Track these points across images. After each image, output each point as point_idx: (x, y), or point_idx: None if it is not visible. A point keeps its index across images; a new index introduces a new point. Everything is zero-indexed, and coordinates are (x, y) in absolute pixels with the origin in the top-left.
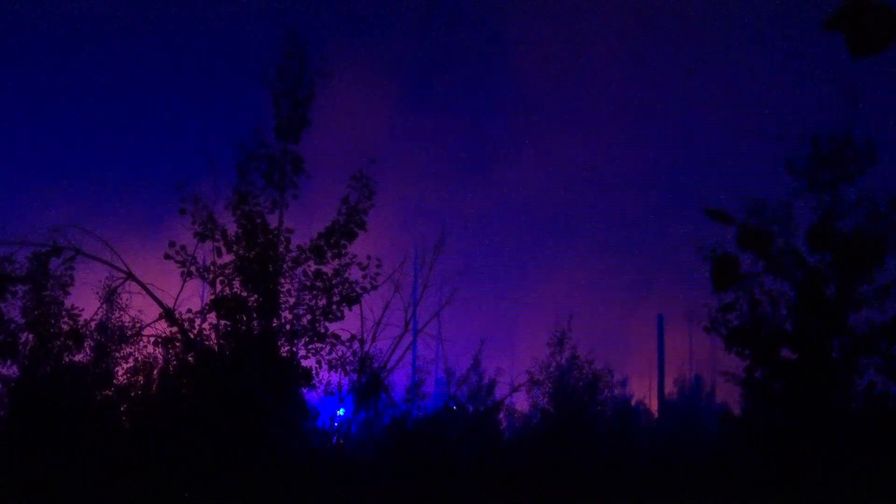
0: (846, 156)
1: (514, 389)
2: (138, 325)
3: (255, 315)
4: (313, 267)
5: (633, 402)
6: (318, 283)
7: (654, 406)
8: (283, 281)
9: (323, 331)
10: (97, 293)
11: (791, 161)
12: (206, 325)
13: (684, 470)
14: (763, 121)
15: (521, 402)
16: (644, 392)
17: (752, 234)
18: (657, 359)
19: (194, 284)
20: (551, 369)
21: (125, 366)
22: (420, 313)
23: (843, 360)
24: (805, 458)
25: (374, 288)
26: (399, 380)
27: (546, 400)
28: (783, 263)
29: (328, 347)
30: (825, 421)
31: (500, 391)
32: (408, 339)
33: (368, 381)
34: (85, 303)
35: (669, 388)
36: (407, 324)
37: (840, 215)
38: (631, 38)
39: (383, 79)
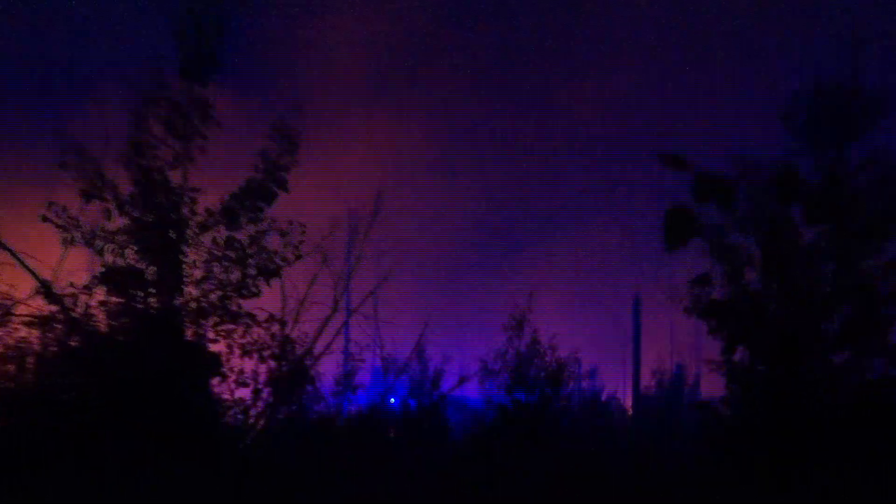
0: (852, 109)
1: (462, 380)
2: (8, 302)
3: (152, 290)
4: (224, 233)
5: (603, 397)
6: (230, 253)
7: (628, 401)
8: (187, 250)
9: (235, 309)
10: None
11: (788, 115)
12: (93, 303)
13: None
14: (758, 69)
15: (474, 396)
16: (617, 385)
17: (711, 182)
18: (632, 346)
19: (79, 253)
20: (508, 357)
21: None
22: (353, 290)
23: (832, 339)
24: (790, 460)
25: (298, 259)
26: (328, 369)
27: (502, 393)
28: (752, 217)
29: (241, 329)
30: (809, 413)
31: (447, 382)
32: (338, 320)
33: (290, 369)
34: None
35: (647, 380)
36: (337, 303)
37: (845, 178)
38: None
39: (316, 13)
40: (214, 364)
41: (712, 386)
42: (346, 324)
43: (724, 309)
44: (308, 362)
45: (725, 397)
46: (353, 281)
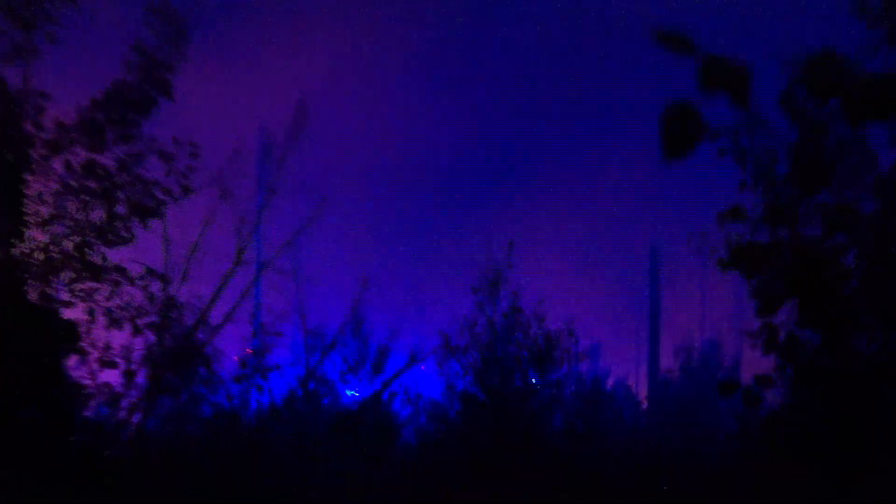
0: None
1: (414, 360)
2: None
3: None
4: (83, 157)
5: (609, 384)
6: (91, 184)
7: (642, 389)
8: (30, 179)
9: (99, 262)
10: None
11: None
12: None
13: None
14: None
15: (432, 384)
16: (627, 368)
17: (721, 68)
18: (648, 315)
19: None
20: (478, 330)
21: None
22: (265, 237)
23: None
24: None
25: (188, 193)
26: (230, 345)
27: (469, 379)
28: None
29: (107, 289)
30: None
31: (395, 363)
32: (244, 278)
33: (176, 345)
34: None
35: (667, 361)
36: (241, 253)
37: None
38: None
39: None
40: (69, 336)
41: (759, 367)
42: (255, 283)
43: (759, 249)
44: (201, 335)
45: (762, 376)
46: (264, 224)
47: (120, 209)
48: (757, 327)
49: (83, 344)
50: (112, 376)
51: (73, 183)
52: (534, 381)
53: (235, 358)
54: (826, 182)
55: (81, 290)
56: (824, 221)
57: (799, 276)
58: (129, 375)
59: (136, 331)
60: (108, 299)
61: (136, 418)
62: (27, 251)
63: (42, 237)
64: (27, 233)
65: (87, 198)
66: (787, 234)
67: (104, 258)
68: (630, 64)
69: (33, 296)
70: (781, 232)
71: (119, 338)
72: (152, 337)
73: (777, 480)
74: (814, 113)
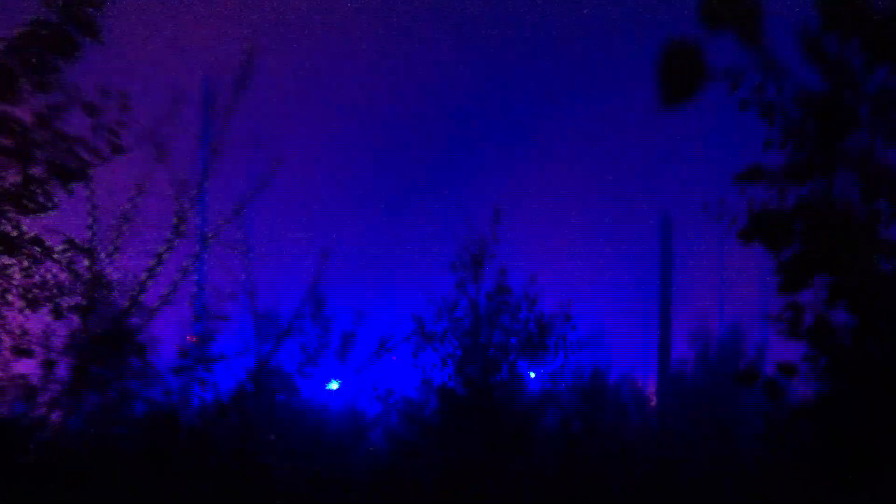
0: None
1: (383, 348)
2: None
3: None
4: None
5: (612, 377)
6: (4, 141)
7: (651, 385)
8: None
9: (13, 233)
10: None
11: None
12: None
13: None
14: None
15: (405, 378)
16: (633, 359)
17: None
18: (658, 298)
19: None
20: (459, 313)
21: None
22: (210, 204)
23: None
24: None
25: (118, 153)
26: (168, 331)
27: (448, 371)
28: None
29: (23, 264)
30: None
31: (361, 352)
32: (184, 253)
33: (104, 330)
34: None
35: (680, 351)
36: (181, 224)
37: None
38: None
39: None
40: None
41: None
42: (197, 258)
43: (784, 215)
44: (134, 320)
45: (786, 365)
46: (208, 190)
47: (38, 171)
48: (780, 309)
49: None
50: (28, 366)
51: None
52: (524, 373)
53: (174, 346)
54: (863, 138)
55: None
56: (861, 182)
57: (829, 247)
58: (48, 366)
59: (57, 314)
60: (23, 277)
61: (55, 416)
62: None
63: None
64: None
65: None
66: (818, 196)
67: (19, 228)
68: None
69: None
70: (810, 193)
71: (37, 322)
72: (76, 321)
73: (804, 487)
74: (842, 55)
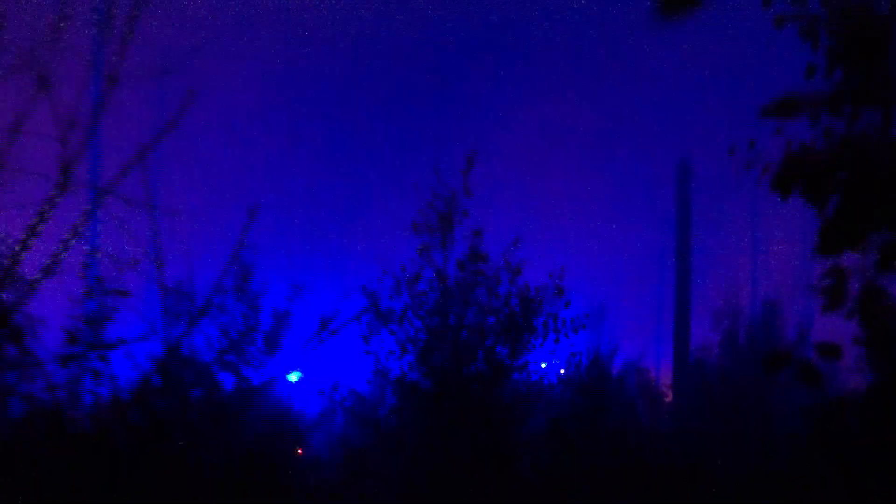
0: None
1: (326, 329)
2: None
3: None
4: None
5: (616, 366)
6: None
7: (665, 375)
8: None
9: None
10: None
11: None
12: None
13: None
14: None
15: (354, 368)
16: (644, 343)
17: None
18: (673, 269)
19: None
20: (422, 286)
21: None
22: (106, 148)
23: None
24: None
25: None
26: (52, 308)
27: (409, 359)
28: None
29: None
30: None
31: (298, 335)
32: (73, 210)
33: None
34: None
35: (701, 334)
36: (68, 173)
37: None
38: None
39: None
40: None
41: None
42: (89, 217)
43: (826, 155)
44: (9, 295)
45: (826, 345)
46: (103, 129)
47: None
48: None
49: None
50: None
51: None
52: (504, 361)
53: (60, 329)
54: None
55: None
56: None
57: (883, 195)
58: None
59: None
60: None
61: None
62: None
63: None
64: None
65: None
66: (870, 133)
67: None
68: None
69: None
70: (860, 130)
71: None
72: None
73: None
74: None
